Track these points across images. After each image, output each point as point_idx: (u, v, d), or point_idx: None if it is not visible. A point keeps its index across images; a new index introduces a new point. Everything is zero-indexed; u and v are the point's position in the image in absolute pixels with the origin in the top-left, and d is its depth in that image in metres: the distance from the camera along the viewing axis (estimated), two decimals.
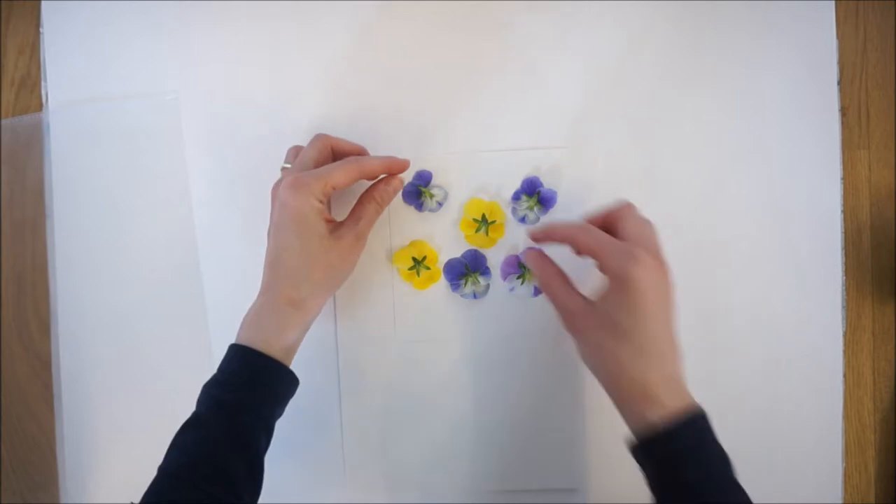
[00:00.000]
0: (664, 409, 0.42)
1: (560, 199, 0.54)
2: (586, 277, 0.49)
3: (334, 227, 0.49)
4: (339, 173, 0.46)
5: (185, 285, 0.56)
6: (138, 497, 0.43)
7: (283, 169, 0.52)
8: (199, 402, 0.46)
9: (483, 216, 0.54)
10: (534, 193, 0.54)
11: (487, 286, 0.55)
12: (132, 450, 0.56)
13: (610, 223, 0.46)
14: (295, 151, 0.52)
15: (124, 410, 0.57)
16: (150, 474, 0.44)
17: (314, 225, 0.46)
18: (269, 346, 0.46)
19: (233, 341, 0.47)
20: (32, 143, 0.57)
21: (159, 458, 0.45)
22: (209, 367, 0.56)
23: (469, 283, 0.54)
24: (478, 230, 0.54)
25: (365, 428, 0.56)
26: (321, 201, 0.47)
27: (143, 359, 0.57)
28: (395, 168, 0.50)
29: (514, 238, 0.55)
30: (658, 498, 0.43)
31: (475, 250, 0.55)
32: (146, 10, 0.57)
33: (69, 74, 0.57)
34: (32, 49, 0.58)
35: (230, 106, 0.56)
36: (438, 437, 0.55)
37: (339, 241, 0.48)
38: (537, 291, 0.54)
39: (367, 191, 0.51)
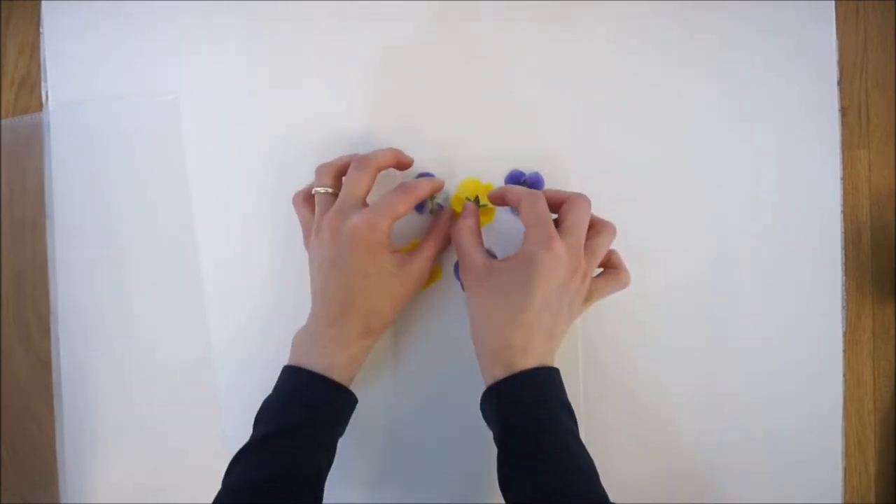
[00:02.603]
0: (513, 369, 0.45)
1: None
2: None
3: (401, 259, 0.50)
4: (401, 206, 0.48)
5: (185, 285, 0.56)
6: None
7: (317, 193, 0.50)
8: (263, 422, 0.47)
9: (476, 198, 0.54)
10: (520, 185, 0.54)
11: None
12: (132, 450, 0.56)
13: (560, 205, 0.49)
14: (329, 172, 0.51)
15: (124, 410, 0.57)
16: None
17: (386, 263, 0.48)
18: (336, 373, 0.47)
19: (284, 361, 0.49)
20: (32, 143, 0.57)
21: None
22: (209, 366, 0.56)
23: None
24: None
25: (365, 427, 0.56)
26: (388, 235, 0.48)
27: (143, 359, 0.57)
28: (437, 188, 0.52)
29: (502, 227, 0.55)
30: (497, 442, 0.46)
31: (486, 249, 0.55)
32: (146, 10, 0.57)
33: (69, 74, 0.57)
34: (32, 49, 0.58)
35: (230, 106, 0.56)
36: (440, 436, 0.55)
37: (408, 274, 0.50)
38: None
39: (434, 224, 0.53)
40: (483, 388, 0.47)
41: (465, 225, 0.50)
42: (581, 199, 0.48)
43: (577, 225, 0.47)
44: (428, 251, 0.51)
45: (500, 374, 0.45)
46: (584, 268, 0.47)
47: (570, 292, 0.47)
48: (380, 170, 0.51)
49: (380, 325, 0.50)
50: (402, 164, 0.53)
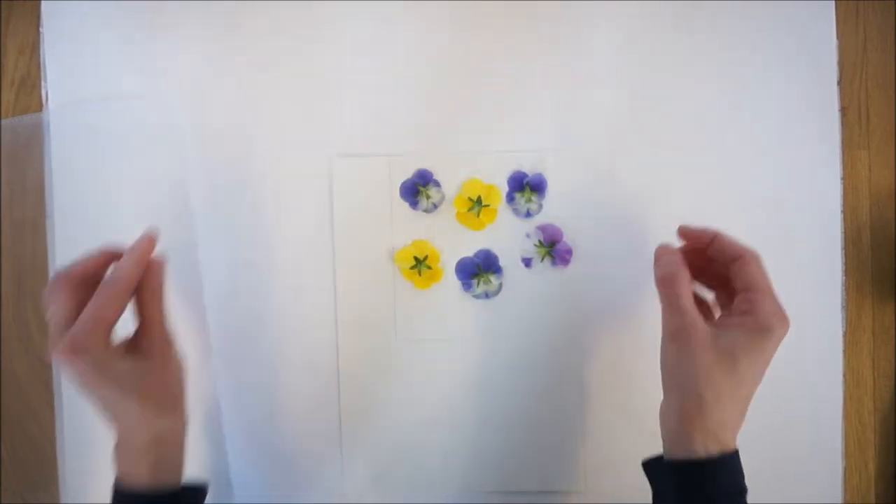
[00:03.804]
0: (721, 447, 0.43)
1: (564, 201, 0.55)
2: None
3: (131, 349, 0.44)
4: (108, 310, 0.42)
5: (184, 284, 0.56)
6: None
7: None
8: None
9: (479, 198, 0.54)
10: (523, 186, 0.54)
11: (500, 285, 0.55)
12: None
13: (736, 264, 0.45)
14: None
15: None
16: None
17: (116, 374, 0.42)
18: (157, 481, 0.44)
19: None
20: (32, 143, 0.57)
21: None
22: (208, 365, 0.56)
23: (481, 284, 0.55)
24: (470, 209, 0.55)
25: (364, 427, 0.56)
26: (107, 344, 0.42)
27: None
28: (147, 253, 0.45)
29: (504, 227, 0.55)
30: None
31: (487, 250, 0.55)
32: (146, 10, 0.56)
33: (69, 74, 0.57)
34: (32, 49, 0.58)
35: (230, 107, 0.56)
36: (439, 437, 0.55)
37: (151, 361, 0.44)
38: (562, 261, 0.54)
39: (140, 291, 0.45)
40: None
41: (680, 275, 0.45)
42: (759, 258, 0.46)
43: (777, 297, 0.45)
44: (150, 321, 0.45)
45: (713, 449, 0.43)
46: None
47: None
48: (81, 277, 0.43)
49: (165, 427, 0.45)
50: (117, 256, 0.45)
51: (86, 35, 0.57)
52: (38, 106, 0.58)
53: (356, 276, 0.55)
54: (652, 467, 0.47)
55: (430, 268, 0.55)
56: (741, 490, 0.43)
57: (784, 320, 0.44)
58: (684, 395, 0.44)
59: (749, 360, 0.43)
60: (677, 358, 0.45)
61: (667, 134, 0.55)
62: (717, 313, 0.49)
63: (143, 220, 0.56)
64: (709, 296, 0.50)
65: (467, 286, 0.55)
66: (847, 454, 0.55)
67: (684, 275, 0.45)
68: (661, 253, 0.47)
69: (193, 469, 0.56)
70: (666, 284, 0.45)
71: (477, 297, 0.55)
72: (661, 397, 0.56)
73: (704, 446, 0.42)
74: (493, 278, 0.55)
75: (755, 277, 0.44)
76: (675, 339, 0.45)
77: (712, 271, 0.48)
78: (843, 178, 0.55)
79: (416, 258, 0.55)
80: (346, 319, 0.56)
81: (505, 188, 0.55)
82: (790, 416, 0.55)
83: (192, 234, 0.56)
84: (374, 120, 0.56)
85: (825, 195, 0.55)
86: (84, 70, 0.57)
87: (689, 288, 0.45)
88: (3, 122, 0.57)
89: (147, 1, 0.56)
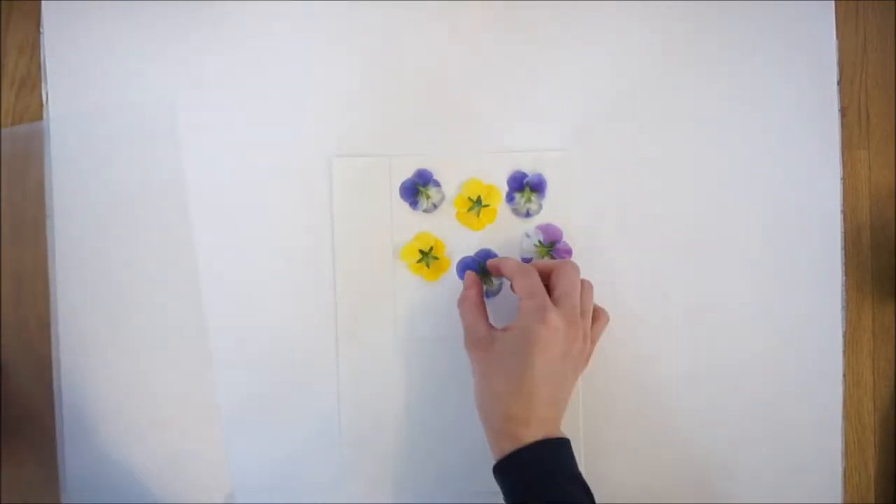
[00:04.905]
0: (518, 442, 0.45)
1: (563, 201, 0.55)
2: None
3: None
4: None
5: (183, 287, 0.56)
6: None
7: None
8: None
9: (479, 198, 0.54)
10: (523, 186, 0.54)
11: (500, 285, 0.55)
12: (132, 450, 0.56)
13: (549, 274, 0.50)
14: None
15: (124, 410, 0.57)
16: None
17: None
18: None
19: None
20: (33, 148, 0.57)
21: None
22: (207, 366, 0.56)
23: (482, 284, 0.55)
24: (470, 209, 0.55)
25: (364, 427, 0.56)
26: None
27: (143, 359, 0.57)
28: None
29: (504, 227, 0.55)
30: None
31: (488, 250, 0.55)
32: (146, 10, 0.57)
33: (69, 74, 0.57)
34: (32, 49, 0.58)
35: (229, 107, 0.56)
36: (439, 437, 0.55)
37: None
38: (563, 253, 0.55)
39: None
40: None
41: (468, 297, 0.51)
42: (568, 265, 0.50)
43: (569, 292, 0.48)
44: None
45: (506, 447, 0.46)
46: (584, 333, 0.49)
47: (572, 359, 0.48)
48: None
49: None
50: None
51: (86, 35, 0.57)
52: (38, 106, 0.58)
53: (356, 276, 0.55)
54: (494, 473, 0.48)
55: (437, 258, 0.55)
56: (541, 479, 0.45)
57: (543, 321, 0.46)
58: (478, 401, 0.49)
59: (517, 359, 0.46)
60: (472, 367, 0.50)
61: (667, 134, 0.55)
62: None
63: (143, 222, 0.57)
64: None
65: None
66: (847, 454, 0.55)
67: (472, 294, 0.51)
68: (466, 277, 0.53)
69: (193, 471, 0.56)
70: (459, 306, 0.51)
71: None
72: (662, 397, 0.56)
73: (498, 447, 0.47)
74: (493, 278, 0.55)
75: (522, 288, 0.48)
76: (468, 349, 0.50)
77: None
78: (843, 178, 0.55)
79: (421, 251, 0.55)
80: (346, 319, 0.56)
81: (505, 188, 0.55)
82: (790, 416, 0.55)
83: (190, 237, 0.56)
84: (374, 120, 0.56)
85: (825, 195, 0.55)
86: (84, 70, 0.57)
87: (473, 304, 0.50)
88: (4, 131, 0.57)
89: (147, 1, 0.56)
